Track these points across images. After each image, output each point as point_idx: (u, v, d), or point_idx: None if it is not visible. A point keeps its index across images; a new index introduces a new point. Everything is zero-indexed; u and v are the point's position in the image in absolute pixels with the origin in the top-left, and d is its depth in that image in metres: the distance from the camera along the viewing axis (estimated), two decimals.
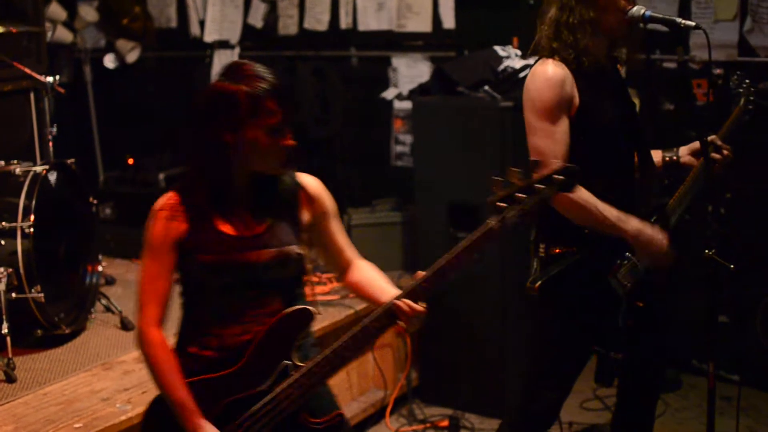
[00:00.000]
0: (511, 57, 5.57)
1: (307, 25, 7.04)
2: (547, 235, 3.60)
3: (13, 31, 5.43)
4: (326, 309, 5.28)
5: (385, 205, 6.24)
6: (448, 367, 5.58)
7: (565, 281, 3.51)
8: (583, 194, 3.41)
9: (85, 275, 5.25)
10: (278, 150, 2.88)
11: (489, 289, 5.30)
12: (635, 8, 3.45)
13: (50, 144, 5.26)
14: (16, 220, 4.70)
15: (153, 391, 4.25)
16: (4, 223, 4.70)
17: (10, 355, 4.48)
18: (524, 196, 2.76)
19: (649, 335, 3.71)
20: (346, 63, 6.93)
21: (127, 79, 7.87)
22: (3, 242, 4.68)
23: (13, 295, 4.61)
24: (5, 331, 4.49)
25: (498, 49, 5.63)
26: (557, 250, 3.57)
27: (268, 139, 2.84)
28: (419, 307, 2.87)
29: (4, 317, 4.52)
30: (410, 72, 6.67)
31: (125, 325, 5.15)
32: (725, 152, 3.74)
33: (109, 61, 7.78)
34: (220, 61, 7.49)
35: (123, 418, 4.06)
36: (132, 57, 7.75)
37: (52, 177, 4.99)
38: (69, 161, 5.17)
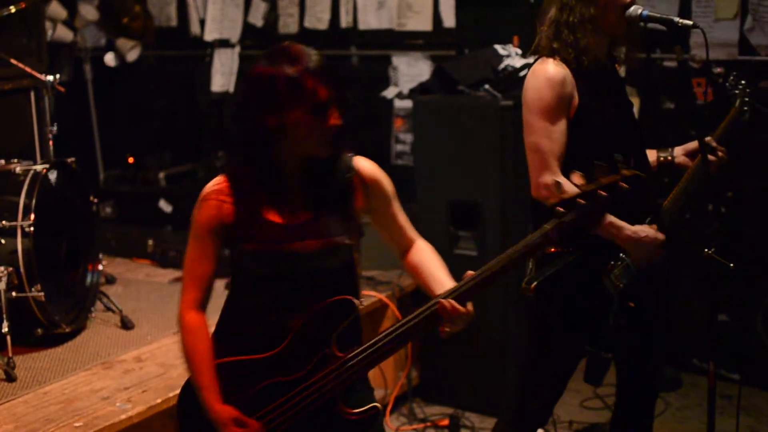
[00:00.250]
0: (511, 56, 5.57)
1: (307, 23, 7.04)
2: None
3: (22, 6, 5.39)
4: None
5: None
6: (449, 366, 5.58)
7: (560, 281, 3.51)
8: None
9: (85, 274, 5.25)
10: (323, 131, 2.80)
11: (489, 288, 5.30)
12: (633, 7, 3.45)
13: (50, 143, 5.25)
14: (16, 219, 4.70)
15: (153, 391, 4.28)
16: (4, 222, 4.70)
17: (10, 354, 4.47)
18: (585, 201, 2.67)
19: (644, 335, 3.71)
20: (347, 62, 6.93)
21: (128, 77, 7.86)
22: (3, 241, 4.67)
23: (14, 294, 4.61)
24: (5, 329, 4.49)
25: (498, 47, 5.63)
26: (552, 250, 3.57)
27: (312, 121, 2.78)
28: (464, 308, 2.82)
29: (4, 316, 4.51)
30: (410, 71, 6.67)
31: (125, 324, 5.15)
32: (720, 154, 3.75)
33: (111, 60, 7.78)
34: (221, 60, 7.49)
35: (123, 417, 4.06)
36: (132, 56, 7.74)
37: (53, 176, 4.99)
38: (69, 160, 5.16)
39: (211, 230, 2.88)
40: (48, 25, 6.66)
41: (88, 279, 5.26)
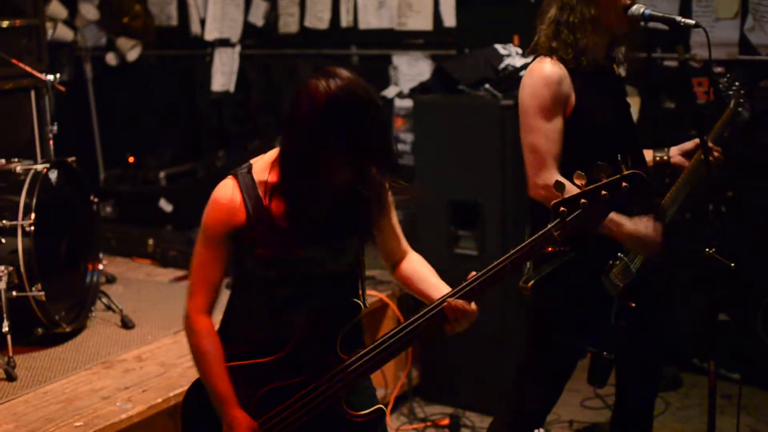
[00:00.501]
0: (511, 55, 5.57)
1: (307, 23, 7.04)
2: None
3: (16, 24, 5.43)
4: None
5: None
6: (449, 366, 5.58)
7: (557, 280, 3.51)
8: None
9: (85, 273, 5.25)
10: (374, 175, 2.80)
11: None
12: (635, 6, 3.44)
13: (51, 142, 5.25)
14: (16, 219, 4.69)
15: (153, 390, 4.28)
16: (4, 222, 4.69)
17: (10, 354, 4.47)
18: (587, 201, 2.68)
19: (644, 335, 3.71)
20: (347, 61, 6.93)
21: (128, 77, 7.86)
22: (4, 240, 4.67)
23: (14, 293, 4.61)
24: (6, 329, 4.49)
25: (499, 47, 5.63)
26: (549, 249, 3.56)
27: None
28: (470, 307, 2.84)
29: (4, 315, 4.51)
30: (411, 70, 6.68)
31: (125, 324, 5.15)
32: (716, 154, 3.75)
33: (112, 59, 7.79)
34: (221, 59, 7.49)
35: (123, 416, 4.06)
36: (132, 55, 7.75)
37: (53, 175, 4.99)
38: (70, 159, 5.16)
39: (224, 235, 2.84)
40: (48, 24, 6.65)
41: (89, 278, 5.26)
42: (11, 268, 4.62)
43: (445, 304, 2.82)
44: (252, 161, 2.90)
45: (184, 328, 2.94)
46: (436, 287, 3.00)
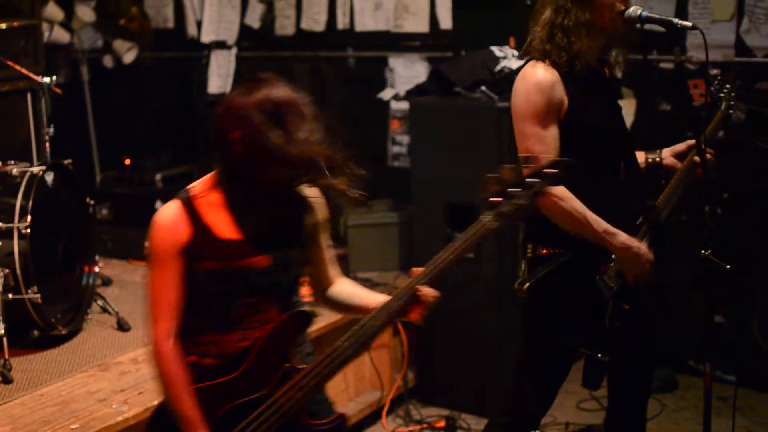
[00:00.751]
0: (507, 57, 5.57)
1: (304, 25, 7.04)
2: (534, 236, 3.61)
3: (14, 26, 5.43)
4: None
5: (381, 205, 6.24)
6: (445, 368, 5.58)
7: (552, 282, 3.52)
8: (574, 203, 3.43)
9: (81, 276, 5.24)
10: (294, 163, 2.83)
11: (485, 289, 5.31)
12: (632, 9, 3.44)
13: (47, 144, 5.26)
14: (13, 221, 4.70)
15: (149, 392, 4.27)
16: (0, 224, 4.69)
17: (6, 356, 4.47)
18: (517, 190, 2.80)
19: (637, 337, 3.71)
20: (343, 63, 6.93)
21: (124, 79, 7.86)
22: (0, 243, 4.67)
23: (10, 295, 4.61)
24: (2, 332, 4.49)
25: (495, 49, 5.63)
26: (544, 251, 3.58)
27: (282, 152, 2.81)
28: (433, 292, 2.89)
29: (0, 318, 4.51)
30: (407, 72, 6.67)
31: (122, 326, 5.15)
32: (708, 156, 3.75)
33: (109, 61, 7.79)
34: (217, 61, 7.49)
35: (119, 419, 4.06)
36: (129, 57, 7.74)
37: (49, 177, 4.99)
38: (66, 162, 5.16)
39: (173, 254, 2.88)
40: (45, 26, 6.65)
41: (85, 281, 5.26)
42: (7, 271, 4.62)
43: (418, 291, 2.86)
44: (190, 186, 3.01)
45: (150, 356, 2.94)
46: (372, 297, 3.07)
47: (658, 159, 3.83)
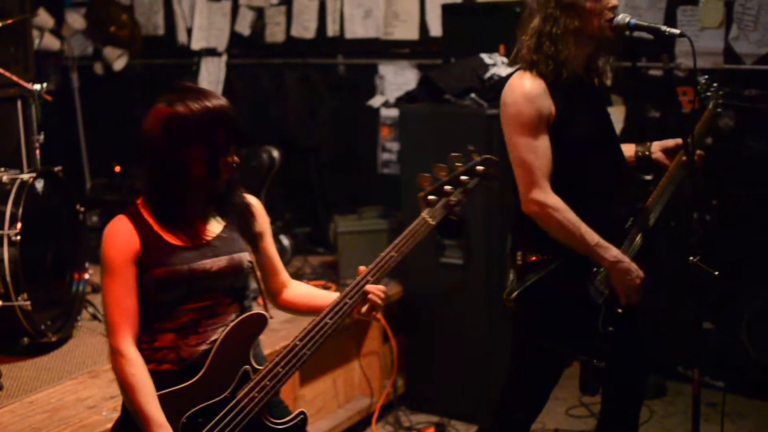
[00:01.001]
0: (497, 64, 5.58)
1: (294, 32, 7.05)
2: (523, 244, 3.62)
3: (9, 22, 5.43)
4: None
5: (371, 212, 6.24)
6: (435, 375, 5.59)
7: (542, 289, 3.52)
8: (568, 215, 3.44)
9: (71, 283, 5.24)
10: (223, 167, 2.96)
11: (475, 296, 5.32)
12: (621, 16, 3.46)
13: (37, 151, 5.25)
14: (2, 228, 4.69)
15: None
16: None
17: None
18: (451, 188, 3.07)
19: (630, 341, 3.72)
20: (333, 70, 6.95)
21: (114, 86, 7.86)
22: None
23: (0, 303, 4.60)
24: None
25: (484, 56, 5.64)
26: (533, 258, 3.58)
27: (212, 157, 2.93)
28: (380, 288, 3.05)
29: None
30: (397, 79, 6.69)
31: None
32: (695, 158, 3.75)
33: (99, 68, 7.79)
34: (207, 68, 7.49)
35: (109, 426, 4.02)
36: (119, 64, 7.75)
37: (39, 184, 4.98)
38: (56, 169, 5.16)
39: (127, 262, 2.95)
40: (35, 33, 6.65)
41: (75, 288, 5.25)
42: None
43: (366, 287, 3.02)
44: (137, 200, 3.12)
45: (112, 366, 2.96)
46: (328, 295, 3.19)
47: (647, 152, 3.84)
